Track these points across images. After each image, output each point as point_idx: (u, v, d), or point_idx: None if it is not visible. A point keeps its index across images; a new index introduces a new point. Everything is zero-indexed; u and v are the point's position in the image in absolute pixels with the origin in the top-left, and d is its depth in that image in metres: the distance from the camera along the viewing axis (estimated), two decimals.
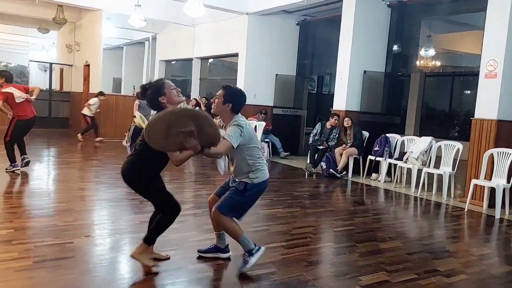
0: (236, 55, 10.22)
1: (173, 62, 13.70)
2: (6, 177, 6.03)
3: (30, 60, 16.62)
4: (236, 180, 3.21)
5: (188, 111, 2.95)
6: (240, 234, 3.16)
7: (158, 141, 2.78)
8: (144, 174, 3.07)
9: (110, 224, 4.31)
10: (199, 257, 3.43)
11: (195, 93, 12.05)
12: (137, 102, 8.34)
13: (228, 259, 3.41)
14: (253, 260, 3.16)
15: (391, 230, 4.86)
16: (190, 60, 12.17)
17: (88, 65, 12.35)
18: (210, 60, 12.59)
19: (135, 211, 4.81)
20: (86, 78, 12.50)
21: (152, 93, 3.03)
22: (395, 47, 8.70)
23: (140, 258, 3.12)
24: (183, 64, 13.25)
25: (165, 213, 3.12)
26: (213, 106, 3.18)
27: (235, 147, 2.98)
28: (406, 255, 3.92)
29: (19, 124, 6.31)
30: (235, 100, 3.11)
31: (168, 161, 3.03)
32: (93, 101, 10.79)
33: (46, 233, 3.77)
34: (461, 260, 3.90)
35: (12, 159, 6.28)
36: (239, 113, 3.12)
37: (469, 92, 13.95)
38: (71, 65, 13.96)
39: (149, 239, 3.14)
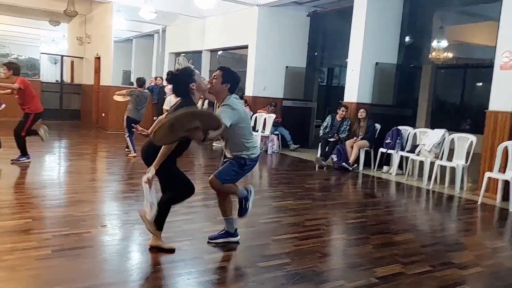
0: (246, 47, 10.18)
1: (182, 55, 13.69)
2: (21, 168, 6.10)
3: (41, 53, 16.71)
4: (232, 155, 3.36)
5: (190, 111, 2.97)
6: (237, 189, 3.47)
7: (163, 138, 2.92)
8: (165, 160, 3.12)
9: (124, 214, 4.36)
10: (214, 247, 3.46)
11: None
12: (125, 92, 7.88)
13: (241, 248, 3.44)
14: (250, 203, 3.52)
15: (404, 223, 4.86)
16: (200, 52, 12.15)
17: (99, 58, 12.40)
18: (220, 52, 12.56)
19: None
20: (97, 71, 12.55)
21: (183, 79, 3.17)
22: (407, 39, 8.62)
23: (159, 245, 3.25)
24: (193, 56, 13.23)
25: (177, 191, 3.24)
26: (209, 85, 3.29)
27: (227, 127, 3.12)
28: (420, 247, 3.92)
29: (35, 118, 6.38)
30: (233, 81, 3.31)
31: (188, 146, 3.21)
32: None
33: (63, 223, 3.82)
34: (475, 253, 3.89)
35: (24, 151, 6.35)
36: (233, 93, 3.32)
37: (481, 84, 13.79)
38: (82, 58, 14.02)
39: (158, 221, 3.22)
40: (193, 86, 3.15)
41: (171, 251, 3.26)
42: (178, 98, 3.26)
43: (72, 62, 15.31)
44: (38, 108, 6.42)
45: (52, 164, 7.17)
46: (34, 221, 3.81)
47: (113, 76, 11.76)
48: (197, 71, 3.27)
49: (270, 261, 3.26)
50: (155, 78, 12.03)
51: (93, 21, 13.12)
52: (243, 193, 3.50)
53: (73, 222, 3.85)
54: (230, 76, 3.30)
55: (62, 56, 15.22)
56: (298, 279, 2.99)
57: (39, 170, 6.28)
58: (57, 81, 15.17)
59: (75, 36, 14.27)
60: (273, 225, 4.22)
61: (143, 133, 3.39)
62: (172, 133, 2.84)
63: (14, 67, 6.34)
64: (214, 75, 3.29)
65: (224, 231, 3.53)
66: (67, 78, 15.39)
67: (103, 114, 11.79)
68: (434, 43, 10.59)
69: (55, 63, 16.90)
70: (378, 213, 5.02)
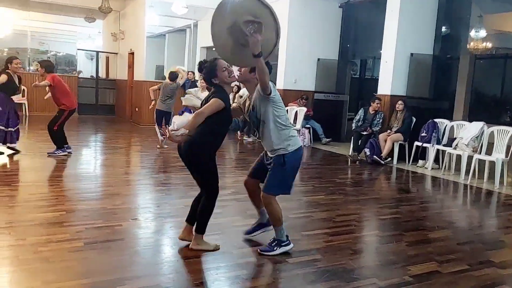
0: None
1: (214, 49, 13.74)
2: (56, 161, 6.29)
3: (78, 49, 17.19)
4: (271, 156, 3.18)
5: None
6: (281, 223, 3.20)
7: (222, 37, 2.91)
8: (207, 149, 3.05)
9: (156, 208, 4.41)
10: (245, 241, 3.44)
11: None
12: (157, 86, 8.06)
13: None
14: (278, 251, 3.19)
15: (440, 219, 4.69)
16: None
17: (133, 53, 12.62)
18: None
19: (179, 195, 4.90)
20: (131, 66, 12.78)
21: (206, 74, 3.14)
22: (443, 29, 8.28)
23: (201, 248, 3.17)
24: None
25: (209, 194, 3.13)
26: (238, 74, 3.19)
27: (272, 91, 3.02)
28: (456, 245, 3.77)
29: (69, 114, 6.56)
30: None
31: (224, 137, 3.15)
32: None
33: (95, 216, 3.90)
34: None
35: (60, 145, 6.54)
36: None
37: None
38: (116, 53, 14.31)
39: (199, 229, 3.17)
40: (215, 80, 3.09)
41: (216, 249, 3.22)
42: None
43: (107, 58, 15.67)
44: (72, 104, 6.59)
45: (88, 158, 7.36)
46: (68, 214, 3.91)
47: (146, 71, 11.94)
48: (223, 63, 3.10)
49: (300, 257, 3.21)
50: (188, 73, 12.12)
51: (126, 17, 13.36)
52: (282, 234, 3.21)
53: (105, 215, 3.92)
54: None
55: (97, 52, 15.60)
56: (328, 276, 2.92)
57: (75, 164, 6.45)
58: (92, 76, 15.56)
59: (109, 32, 14.58)
60: (304, 220, 4.15)
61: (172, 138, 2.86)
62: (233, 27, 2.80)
63: (45, 65, 6.55)
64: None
65: (257, 224, 3.48)
66: (102, 74, 15.77)
67: (137, 109, 12.01)
68: (472, 33, 10.14)
69: (91, 59, 17.34)
70: (412, 209, 4.86)
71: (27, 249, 3.06)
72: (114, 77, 14.70)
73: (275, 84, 9.87)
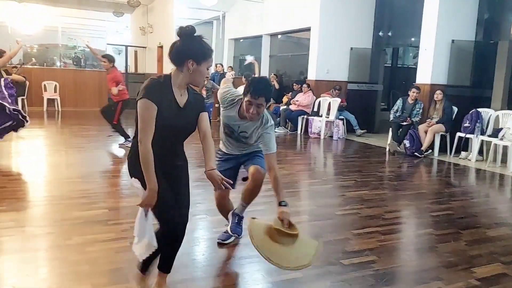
0: (308, 29, 9.81)
1: (241, 40, 13.57)
2: (98, 158, 6.28)
3: (107, 44, 17.32)
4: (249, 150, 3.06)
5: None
6: None
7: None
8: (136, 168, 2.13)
9: (194, 205, 4.28)
10: None
11: (265, 70, 11.86)
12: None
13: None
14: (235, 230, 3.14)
15: (495, 215, 4.42)
16: (260, 37, 11.94)
17: (162, 47, 12.59)
18: (279, 37, 12.28)
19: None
20: (160, 60, 12.79)
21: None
22: (485, 13, 7.85)
23: None
24: (252, 41, 13.06)
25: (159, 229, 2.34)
26: (253, 115, 2.67)
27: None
28: None
29: (124, 105, 6.70)
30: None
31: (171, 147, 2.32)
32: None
33: None
34: None
35: (126, 135, 6.89)
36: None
37: None
38: (145, 47, 14.33)
39: (163, 267, 2.43)
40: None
41: None
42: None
43: (135, 52, 15.73)
44: (125, 96, 6.98)
45: (122, 153, 7.34)
46: (110, 211, 3.84)
47: None
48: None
49: (354, 258, 3.03)
50: (216, 65, 12.01)
51: (154, 11, 13.32)
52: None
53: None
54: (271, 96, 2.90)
55: (126, 46, 15.66)
56: (388, 280, 2.74)
57: (109, 159, 6.43)
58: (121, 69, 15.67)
59: (138, 26, 14.61)
60: (351, 217, 3.96)
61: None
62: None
63: (110, 59, 6.97)
64: (258, 103, 2.61)
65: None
66: (131, 68, 15.85)
67: None
68: None
69: (119, 54, 17.47)
70: (464, 205, 4.59)
71: (74, 249, 2.99)
72: (143, 71, 14.74)
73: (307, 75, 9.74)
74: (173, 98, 2.14)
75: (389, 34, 10.13)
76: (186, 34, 2.12)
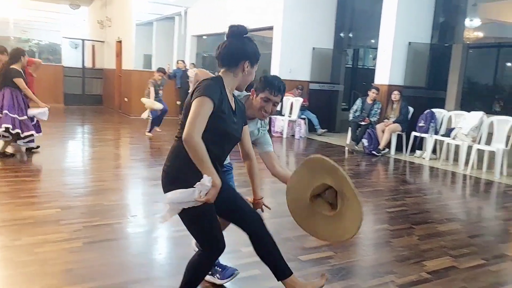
0: (271, 28, 9.85)
1: (204, 37, 13.44)
2: (51, 155, 6.03)
3: (63, 37, 16.66)
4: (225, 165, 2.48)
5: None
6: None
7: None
8: (179, 171, 1.98)
9: (154, 203, 4.20)
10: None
11: None
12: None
13: (279, 240, 3.24)
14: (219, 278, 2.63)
15: (446, 211, 4.60)
16: (223, 34, 11.84)
17: (120, 41, 12.27)
18: None
19: None
20: (118, 55, 12.44)
21: None
22: (441, 17, 8.18)
23: None
24: (215, 39, 12.96)
25: (202, 253, 2.11)
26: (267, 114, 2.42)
27: None
28: (468, 238, 3.67)
29: None
30: None
31: (230, 151, 2.15)
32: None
33: (92, 213, 3.69)
34: None
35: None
36: None
37: (511, 64, 13.17)
38: (103, 42, 13.91)
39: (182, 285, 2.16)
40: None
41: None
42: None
43: (93, 46, 15.23)
44: None
45: (76, 151, 7.10)
46: (63, 211, 3.69)
47: (134, 60, 11.62)
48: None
49: (312, 254, 3.07)
50: (177, 62, 11.84)
51: (113, 4, 12.95)
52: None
53: (103, 212, 3.72)
54: None
55: (83, 40, 15.14)
56: (344, 274, 2.79)
57: (63, 157, 6.20)
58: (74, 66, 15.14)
59: (95, 19, 14.16)
60: None
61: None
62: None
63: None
64: (275, 101, 2.37)
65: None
66: (88, 63, 15.33)
67: (126, 99, 11.71)
68: (467, 22, 10.06)
69: (76, 48, 16.85)
70: (417, 201, 4.76)
71: (23, 250, 2.85)
72: (101, 66, 14.31)
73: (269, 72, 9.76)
74: (228, 101, 1.99)
75: (350, 35, 10.34)
76: (239, 34, 2.01)
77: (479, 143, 6.53)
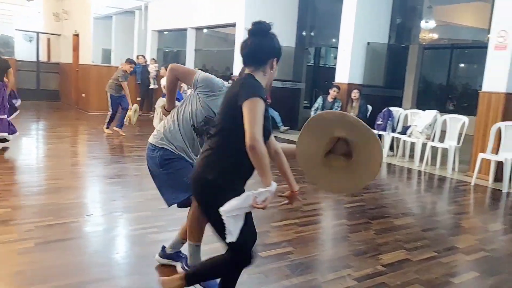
0: (233, 25, 9.82)
1: (165, 33, 13.22)
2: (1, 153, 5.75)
3: (15, 29, 15.89)
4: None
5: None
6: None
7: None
8: (221, 179, 1.92)
9: (111, 202, 4.11)
10: (211, 235, 3.25)
11: (190, 65, 11.67)
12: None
13: None
14: None
15: (402, 206, 4.76)
16: (185, 30, 11.72)
17: (77, 35, 11.85)
18: (205, 31, 12.15)
19: (137, 188, 4.61)
20: (76, 49, 12.02)
21: None
22: (398, 18, 8.44)
23: None
24: (177, 34, 12.78)
25: (228, 256, 2.03)
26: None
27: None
28: (421, 232, 3.81)
29: None
30: None
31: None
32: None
33: (46, 212, 3.55)
34: (478, 237, 3.81)
35: None
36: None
37: (464, 65, 13.81)
38: (59, 35, 13.40)
39: (191, 279, 2.13)
40: None
41: None
42: None
43: (48, 40, 14.63)
44: None
45: (30, 148, 6.80)
46: (14, 211, 3.53)
47: (93, 54, 11.27)
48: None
49: (272, 250, 3.09)
50: (137, 57, 11.59)
51: None
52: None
53: (57, 211, 3.58)
54: None
55: (37, 33, 14.50)
56: (303, 269, 2.83)
57: (16, 155, 5.93)
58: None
59: (51, 11, 13.60)
60: (271, 210, 4.02)
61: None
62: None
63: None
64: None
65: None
66: (43, 57, 14.72)
67: (84, 95, 11.34)
68: (423, 23, 10.44)
69: (30, 41, 16.12)
70: (375, 196, 4.89)
71: None
72: (58, 61, 13.78)
73: (232, 72, 9.74)
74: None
75: (312, 34, 10.47)
76: (266, 31, 1.95)
77: (433, 140, 6.79)
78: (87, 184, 4.82)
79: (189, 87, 2.53)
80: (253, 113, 1.75)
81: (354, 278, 2.78)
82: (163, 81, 8.68)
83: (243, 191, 1.85)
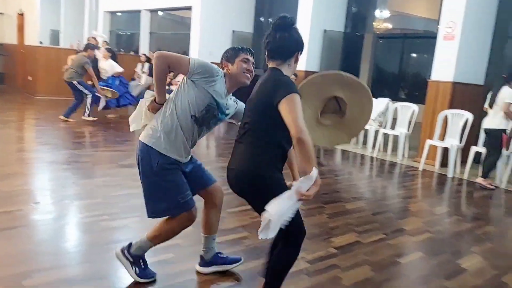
0: (189, 8, 9.63)
1: (118, 14, 12.76)
2: None
3: None
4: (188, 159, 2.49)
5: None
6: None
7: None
8: (268, 171, 2.01)
9: (61, 189, 3.96)
10: None
11: (144, 48, 11.35)
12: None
13: (194, 222, 3.23)
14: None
15: (354, 191, 4.91)
16: (138, 12, 11.36)
17: (22, 14, 11.19)
18: (160, 13, 11.84)
19: (87, 175, 4.47)
20: (21, 29, 11.36)
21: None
22: (353, 7, 8.59)
23: None
24: (130, 16, 12.37)
25: (288, 242, 2.11)
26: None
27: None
28: (371, 215, 3.95)
29: None
30: None
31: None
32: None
33: None
34: (424, 219, 4.00)
35: None
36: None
37: (415, 55, 14.32)
38: (2, 14, 12.59)
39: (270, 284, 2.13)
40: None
41: None
42: None
43: None
44: None
45: None
46: None
47: (40, 35, 10.69)
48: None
49: (227, 236, 3.11)
50: (87, 39, 11.11)
51: None
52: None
53: (1, 199, 3.41)
54: None
55: None
56: (258, 253, 2.86)
57: None
58: None
59: None
60: (228, 196, 3.94)
61: None
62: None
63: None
64: (252, 62, 2.43)
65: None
66: None
67: (30, 78, 10.76)
68: (377, 13, 10.70)
69: None
70: (329, 182, 5.02)
71: None
72: (1, 41, 12.97)
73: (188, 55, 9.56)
74: None
75: (270, 20, 10.46)
76: (292, 25, 2.01)
77: (385, 127, 7.03)
78: (35, 171, 4.61)
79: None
80: (294, 109, 1.86)
81: (307, 260, 2.85)
82: (104, 64, 8.36)
83: (283, 179, 2.01)
